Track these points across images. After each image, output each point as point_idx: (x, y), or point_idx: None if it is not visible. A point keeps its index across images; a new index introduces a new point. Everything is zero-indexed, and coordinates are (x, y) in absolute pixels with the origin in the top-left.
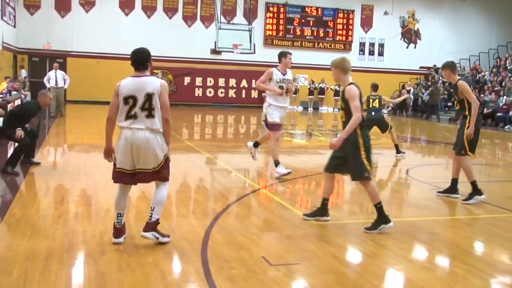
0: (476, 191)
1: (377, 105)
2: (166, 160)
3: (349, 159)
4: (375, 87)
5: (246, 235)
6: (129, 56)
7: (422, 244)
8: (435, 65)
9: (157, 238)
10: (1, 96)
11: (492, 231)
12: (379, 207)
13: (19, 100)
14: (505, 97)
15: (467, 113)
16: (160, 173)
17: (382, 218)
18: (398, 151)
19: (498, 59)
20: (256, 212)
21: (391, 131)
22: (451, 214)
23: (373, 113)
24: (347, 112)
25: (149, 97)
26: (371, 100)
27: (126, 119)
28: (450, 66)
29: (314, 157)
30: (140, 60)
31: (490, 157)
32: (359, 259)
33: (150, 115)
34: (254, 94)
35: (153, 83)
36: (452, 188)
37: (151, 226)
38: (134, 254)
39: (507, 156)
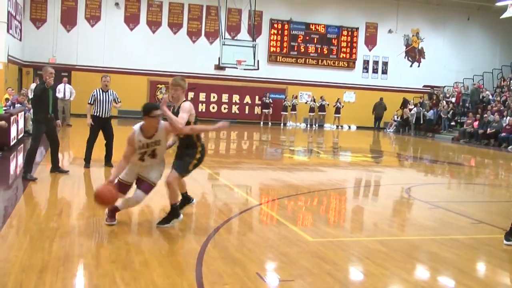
0: None
1: None
2: None
3: None
4: None
5: (241, 251)
6: (134, 71)
7: (418, 263)
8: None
9: None
10: (5, 108)
11: (490, 252)
12: None
13: (23, 113)
14: (508, 117)
15: None
16: None
17: None
18: None
19: (502, 79)
20: (253, 229)
21: None
22: (449, 233)
23: None
24: None
25: None
26: None
27: None
28: None
29: (315, 174)
30: None
31: (492, 177)
32: (354, 277)
33: None
34: (257, 110)
35: None
36: None
37: None
38: (129, 268)
39: (509, 176)
